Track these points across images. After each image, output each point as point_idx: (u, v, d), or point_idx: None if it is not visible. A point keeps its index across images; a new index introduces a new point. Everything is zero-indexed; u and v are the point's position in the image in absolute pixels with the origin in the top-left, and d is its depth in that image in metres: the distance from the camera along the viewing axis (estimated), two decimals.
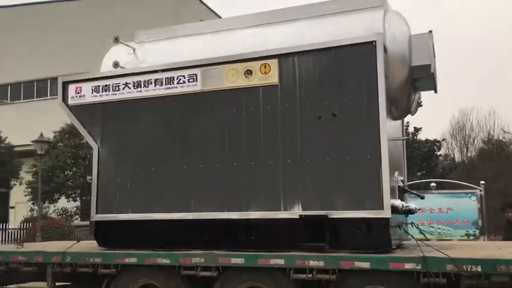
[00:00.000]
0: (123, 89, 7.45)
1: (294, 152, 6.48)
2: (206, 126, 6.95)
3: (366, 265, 5.64)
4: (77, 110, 7.69)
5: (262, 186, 6.57)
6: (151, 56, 7.80)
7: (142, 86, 7.34)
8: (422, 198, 7.32)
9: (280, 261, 5.96)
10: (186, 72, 7.10)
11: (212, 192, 6.80)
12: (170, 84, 7.18)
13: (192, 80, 7.07)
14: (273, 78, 6.67)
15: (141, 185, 7.19)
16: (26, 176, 23.49)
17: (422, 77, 6.83)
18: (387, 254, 5.82)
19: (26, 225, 21.24)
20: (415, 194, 7.36)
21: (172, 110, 7.16)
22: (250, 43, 7.20)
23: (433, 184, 13.69)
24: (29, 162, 23.50)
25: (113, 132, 7.45)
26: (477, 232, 13.06)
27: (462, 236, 13.14)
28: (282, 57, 6.65)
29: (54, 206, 23.34)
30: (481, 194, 13.07)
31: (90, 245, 7.66)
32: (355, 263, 5.68)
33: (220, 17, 29.95)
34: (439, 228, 13.26)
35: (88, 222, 22.70)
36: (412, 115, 7.58)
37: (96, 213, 7.35)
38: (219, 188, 6.78)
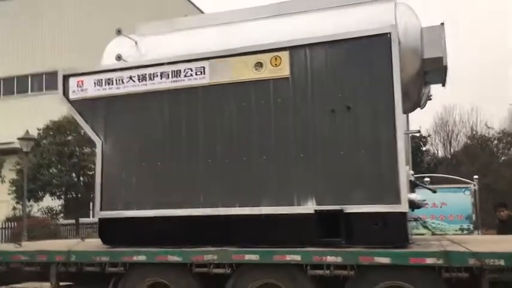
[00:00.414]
0: (127, 83, 7.23)
1: (306, 146, 6.36)
2: (215, 120, 6.79)
3: (385, 260, 5.56)
4: (79, 104, 7.44)
5: (274, 181, 6.44)
6: (155, 49, 7.59)
7: (147, 79, 7.13)
8: (435, 192, 7.28)
9: (297, 257, 5.84)
10: (193, 65, 6.92)
11: (222, 188, 6.64)
12: (177, 77, 6.99)
13: (200, 72, 6.89)
14: (284, 70, 6.53)
15: (147, 180, 6.99)
16: (8, 174, 22.91)
17: (433, 70, 6.77)
18: (407, 249, 5.75)
19: (9, 225, 20.70)
20: (427, 187, 7.32)
21: (179, 103, 6.97)
22: (258, 35, 7.05)
23: (427, 179, 13.73)
24: (12, 160, 22.93)
25: (118, 127, 7.22)
26: (471, 227, 13.17)
27: (456, 231, 13.24)
28: (294, 50, 6.52)
29: (38, 205, 22.83)
30: (474, 189, 13.17)
31: (93, 243, 7.43)
32: (374, 258, 5.59)
33: (203, 13, 29.75)
34: (433, 223, 13.30)
35: (74, 221, 22.35)
36: (422, 109, 7.53)
37: (101, 210, 7.13)
38: (229, 183, 6.63)
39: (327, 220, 6.13)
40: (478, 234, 12.93)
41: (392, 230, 5.97)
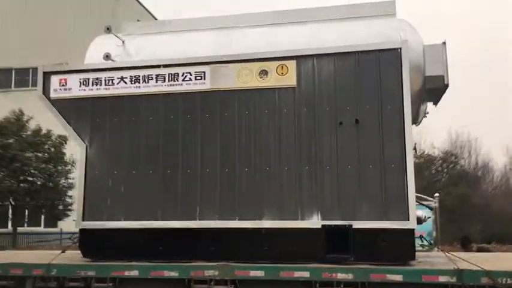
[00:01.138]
0: (117, 84, 6.76)
1: (312, 159, 6.17)
2: (215, 128, 6.46)
3: (398, 278, 5.44)
4: (61, 105, 6.87)
5: (277, 193, 6.19)
6: (145, 50, 7.20)
7: (141, 81, 6.70)
8: (431, 209, 7.30)
9: (305, 274, 5.62)
10: (193, 69, 6.58)
11: (220, 199, 6.31)
12: (174, 80, 6.61)
13: (199, 77, 6.56)
14: (291, 80, 6.34)
15: (137, 189, 6.53)
16: None
17: (434, 88, 6.81)
18: (419, 267, 5.66)
19: None
20: (424, 205, 7.33)
21: (175, 108, 6.59)
22: (257, 42, 6.86)
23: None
24: None
25: (105, 131, 6.72)
26: (432, 242, 13.44)
27: (417, 247, 13.43)
28: (301, 59, 6.35)
29: None
30: (435, 206, 13.49)
31: (72, 255, 6.82)
32: (387, 275, 5.47)
33: (156, 19, 29.17)
34: None
35: (11, 229, 20.94)
36: (417, 126, 7.56)
37: (83, 220, 6.56)
38: (229, 194, 6.31)
39: (333, 236, 5.95)
40: (438, 250, 13.20)
41: (400, 246, 5.89)
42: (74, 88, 6.87)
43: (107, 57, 7.05)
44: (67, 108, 6.86)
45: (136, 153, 6.61)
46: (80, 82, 6.86)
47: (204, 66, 6.55)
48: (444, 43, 6.82)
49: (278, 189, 6.20)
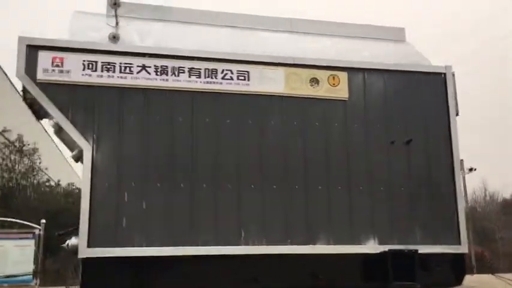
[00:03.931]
0: (137, 73, 5.38)
1: (365, 179, 5.74)
2: (258, 137, 5.57)
3: None
4: (55, 91, 5.16)
5: (332, 214, 5.57)
6: (152, 36, 5.91)
7: (169, 73, 5.45)
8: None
9: None
10: (234, 67, 5.62)
11: (269, 220, 5.40)
12: (212, 77, 5.55)
13: (242, 77, 5.63)
14: (343, 92, 5.88)
15: (162, 206, 5.18)
16: None
17: None
18: None
19: None
20: None
21: (212, 110, 5.50)
22: (274, 47, 6.24)
23: None
24: None
25: (118, 130, 5.23)
26: None
27: None
28: (352, 72, 5.95)
29: None
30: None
31: None
32: None
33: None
34: None
35: None
36: None
37: (88, 246, 4.91)
38: (279, 215, 5.44)
39: (394, 261, 5.55)
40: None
41: (453, 271, 5.80)
42: (75, 71, 5.24)
43: (114, 38, 5.59)
44: (63, 96, 5.17)
45: (161, 161, 5.27)
46: (84, 65, 5.27)
47: (247, 66, 5.66)
48: (453, 73, 7.11)
49: (334, 211, 5.58)
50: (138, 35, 5.90)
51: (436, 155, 5.97)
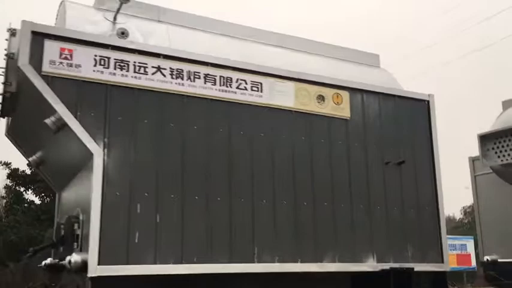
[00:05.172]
0: (152, 74, 4.97)
1: (365, 197, 5.86)
2: (270, 150, 5.42)
3: None
4: (63, 86, 4.56)
5: (339, 232, 5.58)
6: (156, 36, 5.52)
7: (185, 77, 5.11)
8: None
9: None
10: (248, 77, 5.44)
11: (281, 237, 5.25)
12: (227, 86, 5.31)
13: (256, 88, 5.46)
14: (346, 111, 5.97)
15: (178, 220, 4.79)
16: None
17: None
18: None
19: None
20: None
21: (226, 120, 5.24)
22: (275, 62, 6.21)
23: None
24: None
25: (131, 135, 4.75)
26: None
27: None
28: (352, 91, 6.07)
29: None
30: None
31: None
32: None
33: None
34: None
35: None
36: None
37: (99, 264, 4.35)
38: (289, 232, 5.32)
39: (388, 279, 5.71)
40: None
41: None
42: (85, 66, 4.69)
43: (123, 34, 5.11)
44: (72, 92, 4.59)
45: (175, 171, 4.89)
46: (96, 60, 4.74)
47: (260, 77, 5.51)
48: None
49: (340, 228, 5.60)
50: (140, 34, 5.45)
51: (423, 175, 6.28)
